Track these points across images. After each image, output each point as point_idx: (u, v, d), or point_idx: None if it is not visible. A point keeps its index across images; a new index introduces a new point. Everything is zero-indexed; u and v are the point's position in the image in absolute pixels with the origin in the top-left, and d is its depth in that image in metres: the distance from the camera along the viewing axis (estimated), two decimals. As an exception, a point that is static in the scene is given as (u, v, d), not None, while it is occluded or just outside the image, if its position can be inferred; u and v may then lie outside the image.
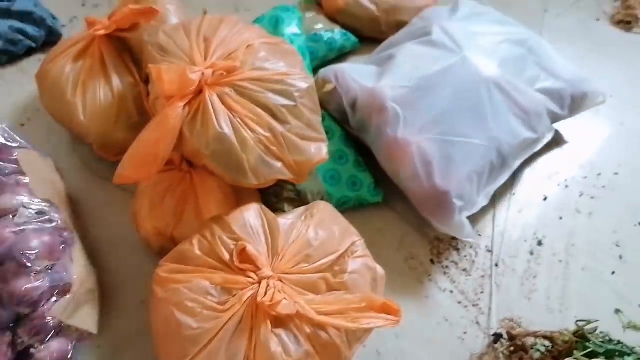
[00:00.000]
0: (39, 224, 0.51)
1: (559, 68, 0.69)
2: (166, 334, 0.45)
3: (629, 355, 0.51)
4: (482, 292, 0.60)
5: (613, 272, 0.61)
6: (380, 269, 0.52)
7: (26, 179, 0.54)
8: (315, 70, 0.74)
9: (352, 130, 0.66)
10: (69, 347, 0.50)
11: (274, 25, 0.70)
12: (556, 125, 0.71)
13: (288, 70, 0.55)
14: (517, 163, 0.64)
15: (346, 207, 0.64)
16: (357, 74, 0.64)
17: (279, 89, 0.53)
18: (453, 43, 0.64)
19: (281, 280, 0.46)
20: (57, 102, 0.65)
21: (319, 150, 0.54)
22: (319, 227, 0.51)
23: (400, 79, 0.62)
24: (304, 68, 0.57)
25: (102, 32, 0.64)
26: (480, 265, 0.62)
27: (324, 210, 0.53)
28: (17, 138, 0.60)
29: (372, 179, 0.64)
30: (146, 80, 0.65)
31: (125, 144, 0.55)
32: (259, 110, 0.52)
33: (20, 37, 0.77)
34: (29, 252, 0.48)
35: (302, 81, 0.54)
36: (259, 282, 0.45)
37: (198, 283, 0.46)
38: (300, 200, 0.62)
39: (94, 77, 0.64)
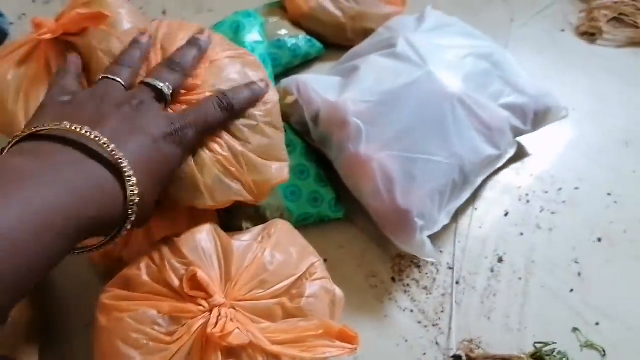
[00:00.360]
0: None
1: (523, 82, 0.68)
2: (109, 367, 0.43)
3: (584, 377, 0.51)
4: (442, 311, 0.59)
5: (571, 290, 0.62)
6: (339, 292, 0.51)
7: None
8: (277, 78, 0.72)
9: (314, 144, 0.64)
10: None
11: (235, 31, 0.67)
12: (518, 139, 0.71)
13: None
14: (480, 180, 0.64)
15: (307, 223, 0.63)
16: (319, 86, 0.62)
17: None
18: (418, 57, 0.63)
19: (234, 308, 0.44)
20: None
21: (280, 170, 0.52)
22: (275, 249, 0.49)
23: (363, 93, 0.60)
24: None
25: (48, 35, 0.58)
26: (441, 283, 0.61)
27: (281, 229, 0.51)
28: None
29: (333, 194, 0.63)
30: None
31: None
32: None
33: (-37, 35, 0.73)
34: None
35: (265, 98, 0.52)
36: (210, 311, 0.43)
37: (144, 312, 0.43)
38: (259, 216, 0.60)
39: (38, 84, 0.59)
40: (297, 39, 0.77)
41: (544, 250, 0.65)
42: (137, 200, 0.35)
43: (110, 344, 0.43)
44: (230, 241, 0.48)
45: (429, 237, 0.59)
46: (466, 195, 0.62)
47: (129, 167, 0.34)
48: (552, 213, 0.68)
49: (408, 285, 0.61)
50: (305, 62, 0.80)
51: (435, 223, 0.59)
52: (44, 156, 0.32)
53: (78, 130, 0.33)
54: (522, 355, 0.52)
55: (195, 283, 0.44)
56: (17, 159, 0.32)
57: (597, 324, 0.59)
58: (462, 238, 0.65)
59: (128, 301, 0.44)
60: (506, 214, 0.68)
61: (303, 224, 0.62)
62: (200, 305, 0.44)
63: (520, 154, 0.73)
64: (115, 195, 0.34)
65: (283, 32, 0.76)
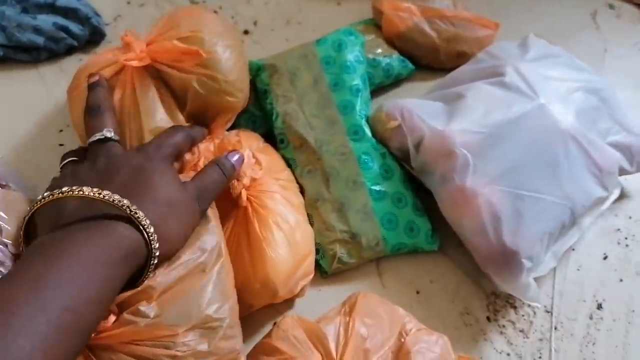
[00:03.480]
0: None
1: (631, 122, 0.65)
2: None
3: None
4: (539, 358, 0.56)
5: (675, 344, 0.58)
6: (441, 337, 0.49)
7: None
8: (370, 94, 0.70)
9: (412, 171, 0.62)
10: None
11: (337, 49, 0.66)
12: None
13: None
14: (587, 222, 0.61)
15: (400, 253, 0.61)
16: (424, 113, 0.60)
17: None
18: (528, 88, 0.61)
19: None
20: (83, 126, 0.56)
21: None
22: (365, 316, 0.47)
23: (472, 124, 0.58)
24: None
25: (135, 63, 0.55)
26: (539, 327, 0.59)
27: (362, 297, 0.50)
28: (7, 176, 0.53)
29: (429, 225, 0.61)
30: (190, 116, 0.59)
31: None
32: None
33: (63, 34, 0.72)
34: None
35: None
36: None
37: None
38: (354, 242, 0.58)
39: (122, 109, 0.56)
40: (391, 59, 0.75)
41: (645, 299, 0.62)
42: (157, 246, 0.40)
43: None
44: (315, 324, 0.47)
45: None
46: (573, 238, 0.60)
47: (146, 221, 0.39)
48: (653, 260, 0.65)
49: (504, 326, 0.58)
50: (395, 82, 0.78)
51: (542, 265, 0.56)
52: (75, 232, 0.38)
53: (93, 194, 0.39)
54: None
55: None
56: (56, 236, 0.38)
57: None
58: (560, 281, 0.62)
59: None
60: (605, 258, 0.65)
61: (397, 254, 0.61)
62: None
63: (620, 195, 0.69)
64: (140, 248, 0.39)
65: (378, 50, 0.75)
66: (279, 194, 0.55)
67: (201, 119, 0.58)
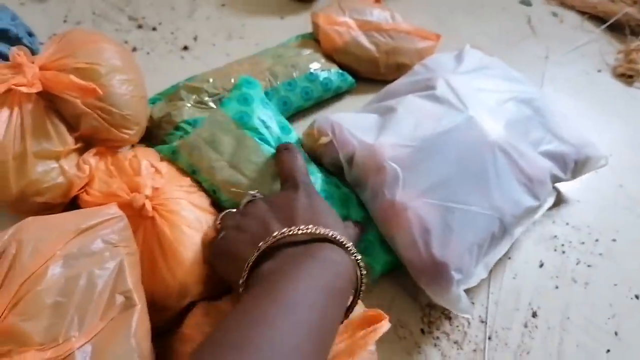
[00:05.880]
0: None
1: (565, 130, 0.66)
2: None
3: None
4: (474, 369, 0.57)
5: (608, 350, 0.59)
6: None
7: None
8: (308, 111, 0.70)
9: (347, 183, 0.62)
10: None
11: (244, 103, 0.61)
12: (556, 185, 0.68)
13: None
14: (519, 231, 0.61)
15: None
16: (355, 127, 0.60)
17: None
18: (458, 100, 0.61)
19: None
20: None
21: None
22: None
23: (401, 137, 0.58)
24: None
25: (24, 89, 0.52)
26: (473, 337, 0.59)
27: None
28: None
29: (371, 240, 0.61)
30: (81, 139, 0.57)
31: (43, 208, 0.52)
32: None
33: (-5, 56, 0.71)
34: None
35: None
36: None
37: None
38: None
39: (9, 135, 0.53)
40: (329, 73, 0.75)
41: (579, 305, 0.62)
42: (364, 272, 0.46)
43: None
44: None
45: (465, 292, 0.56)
46: (505, 247, 0.60)
47: (354, 249, 0.44)
48: (589, 266, 0.66)
49: (438, 338, 0.58)
50: (336, 95, 0.78)
51: (472, 276, 0.56)
52: (314, 251, 0.43)
53: (322, 232, 0.44)
54: None
55: None
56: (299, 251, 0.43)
57: (636, 389, 0.56)
58: (496, 289, 0.63)
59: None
60: (541, 265, 0.65)
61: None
62: None
63: (557, 200, 0.70)
64: (353, 274, 0.44)
65: (316, 65, 0.74)
66: (185, 199, 0.53)
67: (92, 143, 0.57)
